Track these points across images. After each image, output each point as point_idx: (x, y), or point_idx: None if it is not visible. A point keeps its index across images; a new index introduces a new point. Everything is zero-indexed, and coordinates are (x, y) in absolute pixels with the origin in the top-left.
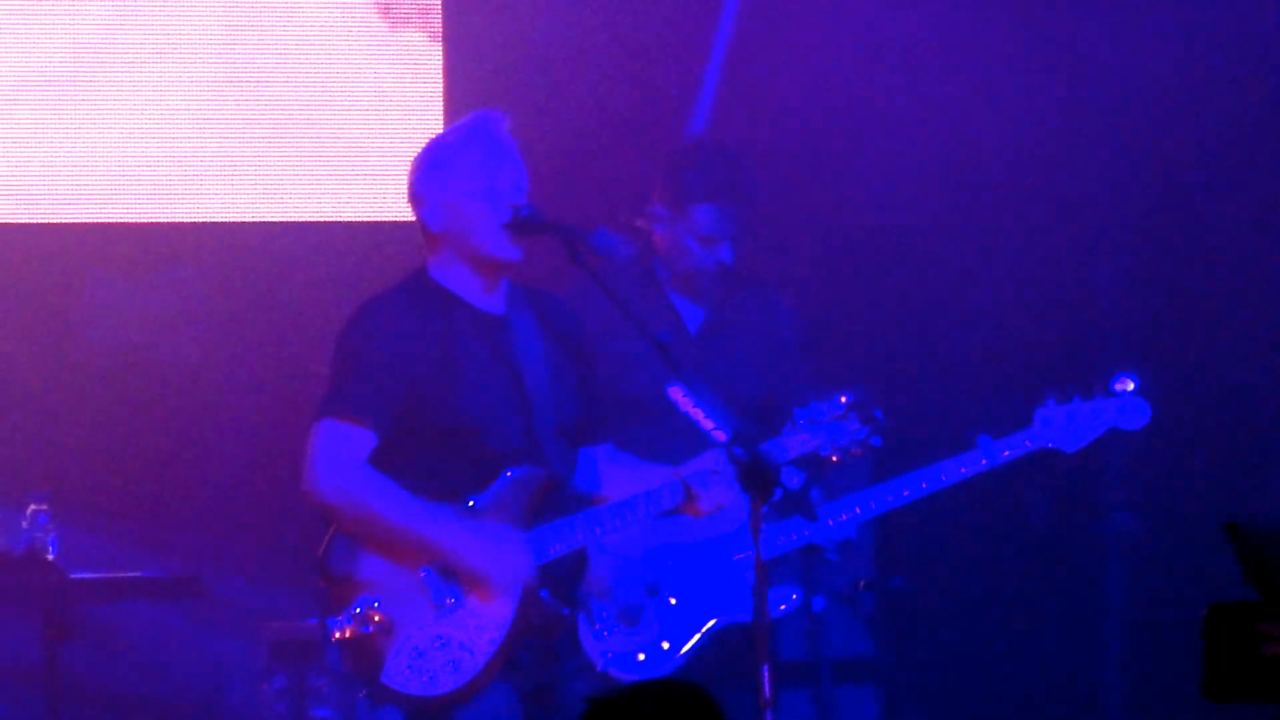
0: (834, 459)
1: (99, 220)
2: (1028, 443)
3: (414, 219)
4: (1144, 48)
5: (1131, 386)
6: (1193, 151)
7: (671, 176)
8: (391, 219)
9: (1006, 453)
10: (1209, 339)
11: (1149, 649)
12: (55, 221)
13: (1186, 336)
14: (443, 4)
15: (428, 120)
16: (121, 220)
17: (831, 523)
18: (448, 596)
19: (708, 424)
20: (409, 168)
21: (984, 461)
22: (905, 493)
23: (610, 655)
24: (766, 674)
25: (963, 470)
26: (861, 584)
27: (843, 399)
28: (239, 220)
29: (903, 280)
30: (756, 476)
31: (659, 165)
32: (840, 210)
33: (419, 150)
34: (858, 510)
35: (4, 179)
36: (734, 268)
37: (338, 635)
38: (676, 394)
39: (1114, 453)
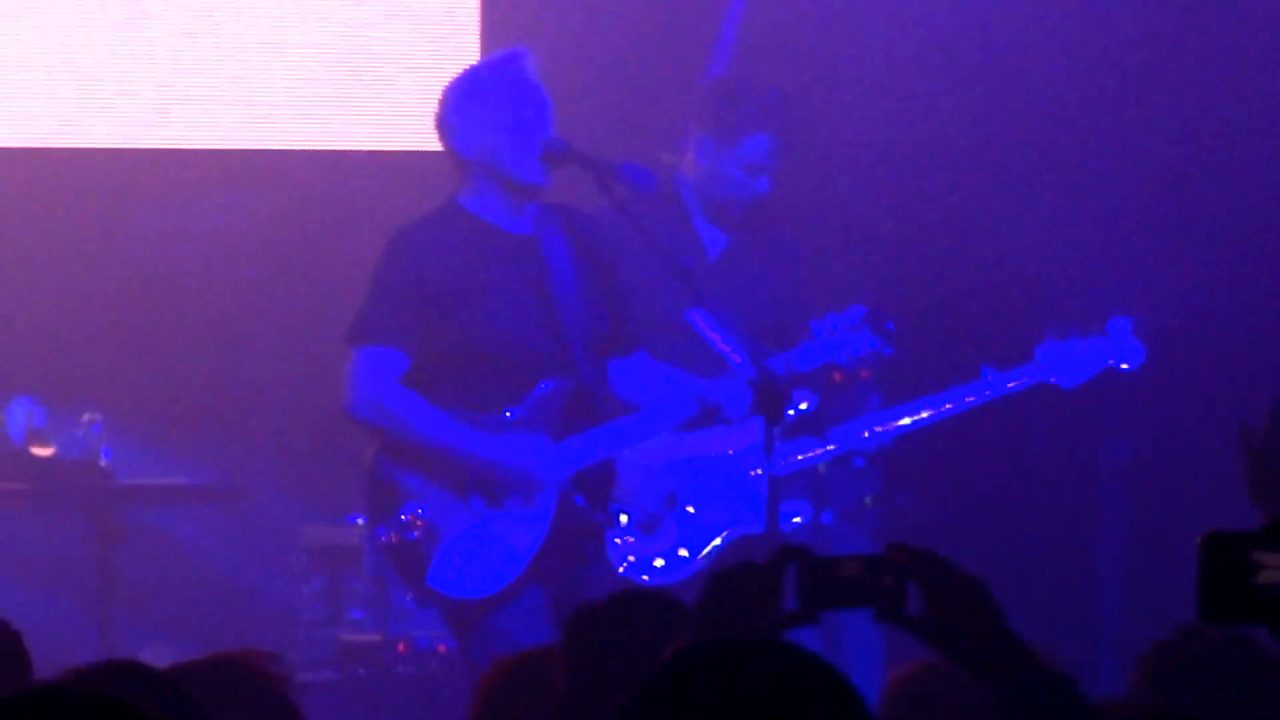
0: (856, 371)
1: (145, 146)
2: (1028, 377)
3: (441, 148)
4: None
5: (1127, 326)
6: (1193, 98)
7: (725, 105)
8: (426, 149)
9: (1010, 385)
10: (1206, 280)
11: (1144, 570)
12: (103, 146)
13: (1184, 276)
14: None
15: (463, 53)
16: (166, 146)
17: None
18: (488, 504)
19: (724, 347)
20: (440, 98)
21: (988, 392)
22: (914, 417)
23: (631, 561)
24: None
25: (968, 399)
26: (868, 500)
27: (858, 312)
28: (277, 147)
29: (911, 220)
30: (769, 398)
31: (701, 96)
32: (853, 148)
33: (452, 80)
34: (875, 429)
35: (53, 104)
36: (767, 200)
37: (384, 541)
38: (695, 318)
39: (1110, 384)
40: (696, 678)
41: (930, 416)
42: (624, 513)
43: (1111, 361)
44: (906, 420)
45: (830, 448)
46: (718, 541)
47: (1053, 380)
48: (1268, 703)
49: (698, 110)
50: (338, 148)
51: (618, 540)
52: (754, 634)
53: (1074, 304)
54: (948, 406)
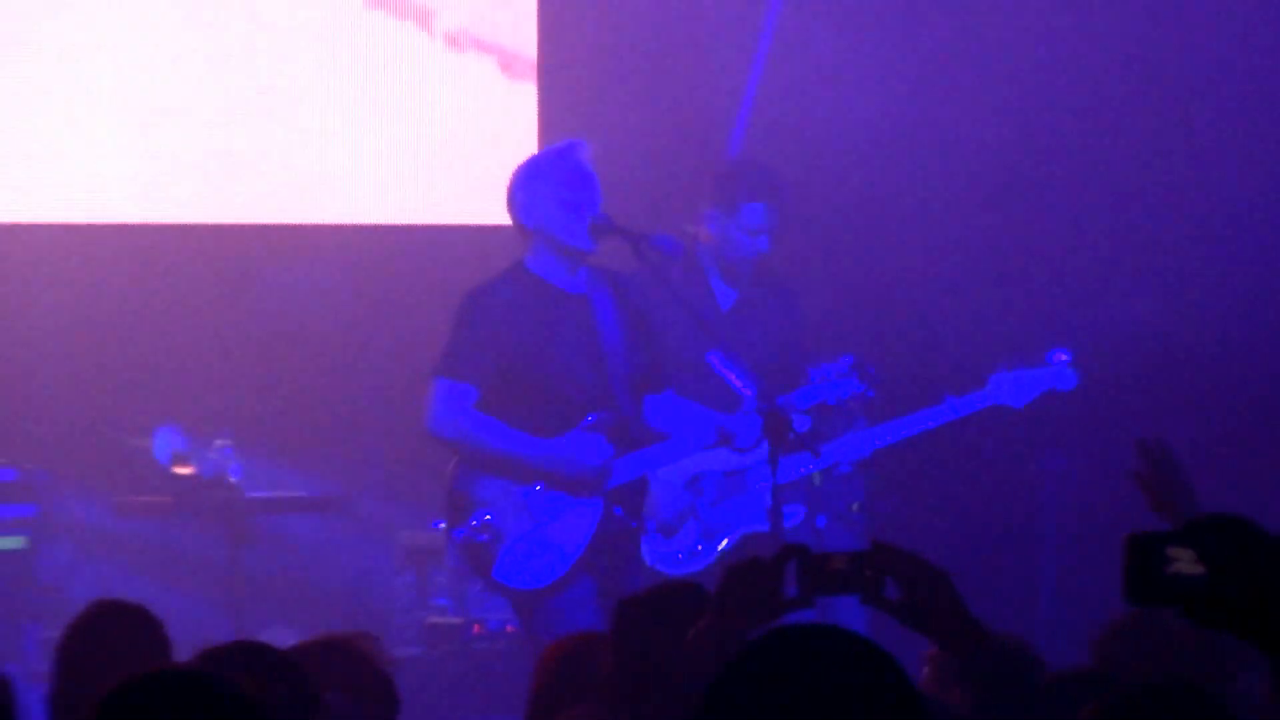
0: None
1: (269, 222)
2: (982, 401)
3: (510, 221)
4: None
5: (1065, 358)
6: (1126, 148)
7: (725, 183)
8: (492, 223)
9: (967, 408)
10: (1129, 320)
11: (1075, 561)
12: (231, 223)
13: (1111, 318)
14: (538, 57)
15: (525, 145)
16: (285, 222)
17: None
18: (548, 511)
19: (738, 385)
20: (510, 179)
21: (950, 414)
22: (890, 437)
23: (656, 556)
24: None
25: (932, 421)
26: (855, 506)
27: (846, 361)
28: (370, 223)
29: (886, 273)
30: (774, 424)
31: (709, 178)
32: (837, 218)
33: (519, 166)
34: (857, 448)
35: (199, 185)
36: (769, 258)
37: (459, 542)
38: (714, 360)
39: (1048, 407)
40: (773, 657)
41: (904, 434)
42: (652, 520)
43: (1051, 386)
44: (889, 437)
45: (827, 461)
46: (725, 542)
47: (1004, 403)
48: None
49: (707, 189)
50: (421, 222)
51: (649, 541)
52: (763, 616)
53: (1021, 340)
54: (918, 427)
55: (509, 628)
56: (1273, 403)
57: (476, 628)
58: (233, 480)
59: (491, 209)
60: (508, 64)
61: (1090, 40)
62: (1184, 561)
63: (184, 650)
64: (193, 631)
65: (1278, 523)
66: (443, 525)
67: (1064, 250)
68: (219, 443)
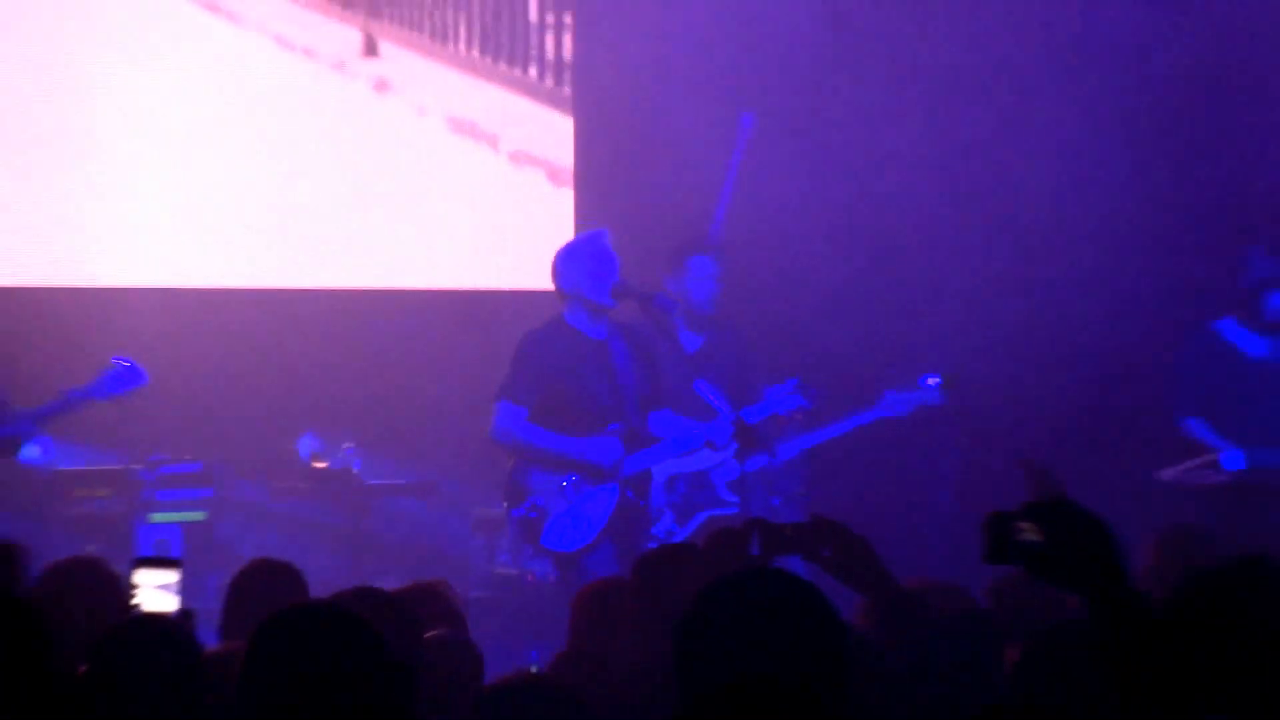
0: (786, 416)
1: (379, 287)
2: (877, 413)
3: (553, 286)
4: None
5: (935, 382)
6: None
7: (675, 251)
8: (540, 288)
9: (866, 419)
10: (995, 349)
11: (962, 532)
12: (352, 288)
13: (977, 347)
14: (574, 169)
15: (563, 231)
16: (391, 287)
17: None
18: (580, 495)
19: (715, 403)
20: (554, 257)
21: (855, 424)
22: (819, 439)
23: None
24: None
25: (845, 428)
26: (800, 491)
27: (792, 383)
28: (450, 288)
29: (806, 314)
30: (744, 434)
31: (664, 255)
32: (777, 279)
33: (560, 247)
34: (799, 445)
35: (324, 260)
36: (718, 305)
37: (516, 518)
38: (699, 386)
39: (945, 416)
40: (729, 592)
41: (829, 437)
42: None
43: (924, 402)
44: (816, 440)
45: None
46: (693, 523)
47: (890, 415)
48: None
49: (665, 263)
50: (486, 287)
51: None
52: (734, 568)
53: (905, 368)
54: (834, 432)
55: (551, 579)
56: (1112, 398)
57: (529, 577)
58: (355, 472)
59: (538, 278)
60: (553, 174)
61: (946, 86)
62: (1028, 531)
63: (318, 593)
64: (325, 581)
65: (1119, 501)
66: (504, 505)
67: (937, 292)
68: (345, 445)
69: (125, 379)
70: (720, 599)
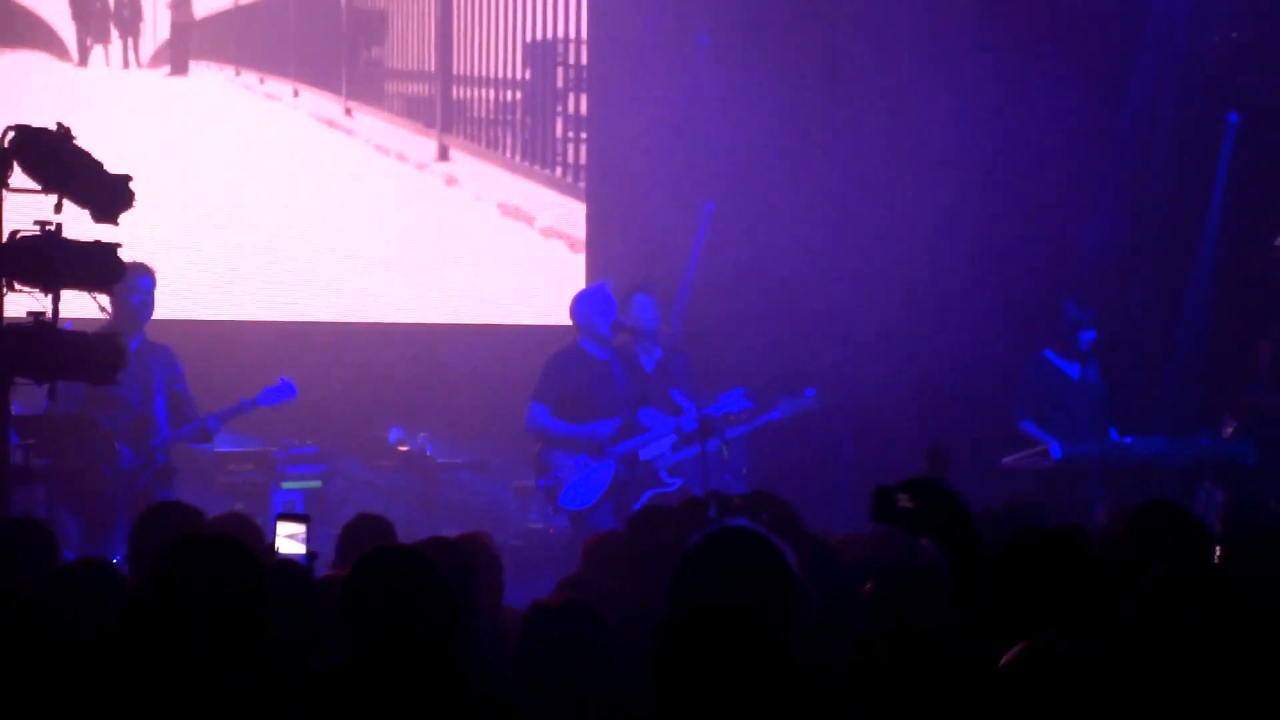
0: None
1: (448, 322)
2: (775, 416)
3: (571, 321)
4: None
5: (811, 392)
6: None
7: (624, 291)
8: (560, 324)
9: (770, 419)
10: (884, 370)
11: (860, 500)
12: (428, 322)
13: (878, 373)
14: (586, 240)
15: (577, 282)
16: (458, 322)
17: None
18: (587, 470)
19: (684, 405)
20: (571, 300)
21: (764, 421)
22: (748, 428)
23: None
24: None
25: (760, 422)
26: (744, 471)
27: (739, 390)
28: (498, 323)
29: (732, 336)
30: (705, 426)
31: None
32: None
33: (575, 294)
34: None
35: (403, 298)
36: (659, 329)
37: (540, 487)
38: (676, 394)
39: (841, 415)
40: (706, 548)
41: (755, 426)
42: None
43: (806, 408)
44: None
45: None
46: (673, 490)
47: (778, 418)
48: None
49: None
50: (523, 323)
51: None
52: (698, 525)
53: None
54: (758, 425)
55: (567, 530)
56: (967, 405)
57: (551, 530)
58: (428, 454)
59: (560, 316)
60: (572, 244)
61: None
62: (904, 500)
63: (403, 538)
64: (409, 532)
65: (975, 479)
66: (533, 478)
67: (844, 331)
68: (421, 434)
69: (284, 392)
70: (709, 547)
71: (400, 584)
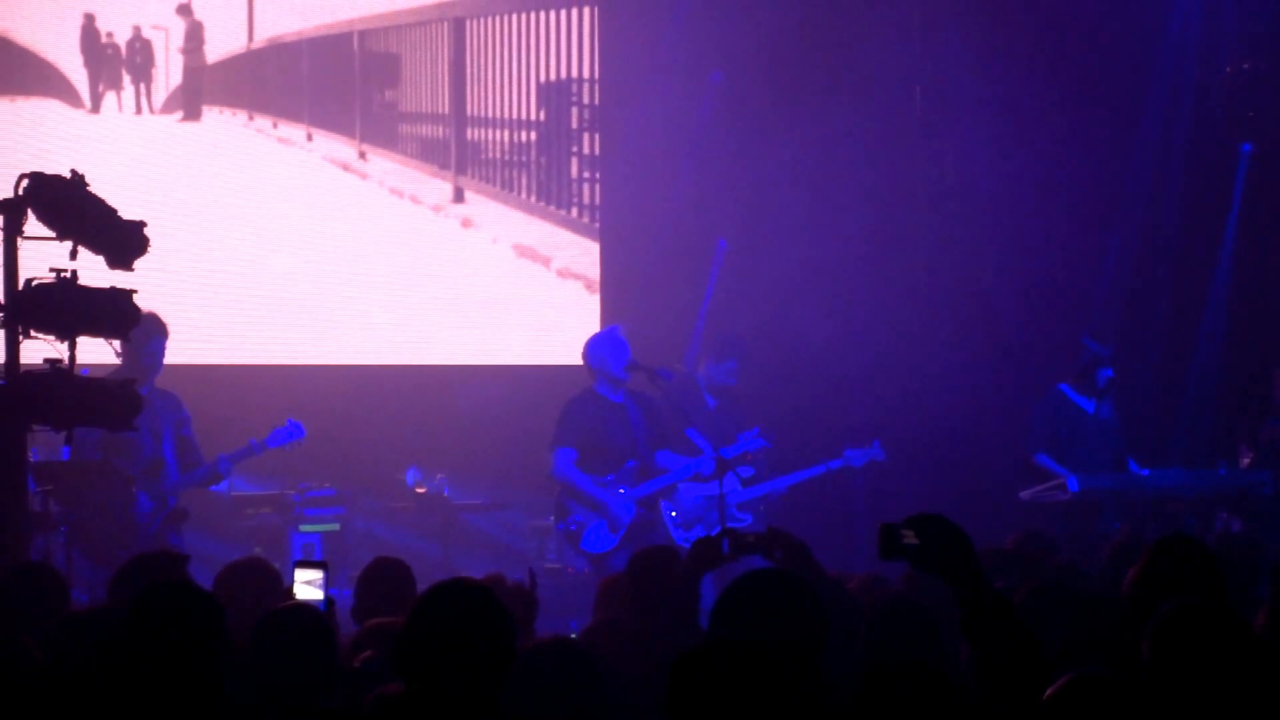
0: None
1: (461, 363)
2: (837, 465)
3: (584, 364)
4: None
5: (873, 444)
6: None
7: (717, 346)
8: (575, 364)
9: (830, 468)
10: (904, 410)
11: (870, 537)
12: (441, 364)
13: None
14: (601, 281)
15: (591, 325)
16: (470, 363)
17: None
18: (605, 515)
19: (702, 444)
20: (585, 344)
21: (817, 473)
22: (785, 486)
23: (680, 538)
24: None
25: (809, 476)
26: (761, 507)
27: (754, 430)
28: (518, 364)
29: (771, 380)
30: (723, 467)
31: (710, 344)
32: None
33: (589, 336)
34: (769, 488)
35: (419, 339)
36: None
37: (560, 530)
38: (690, 432)
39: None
40: (751, 582)
41: (792, 483)
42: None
43: (873, 458)
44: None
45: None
46: (691, 536)
47: (844, 465)
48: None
49: (707, 347)
50: (541, 363)
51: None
52: (710, 564)
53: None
54: (799, 479)
55: (586, 571)
56: (985, 440)
57: (570, 570)
58: (446, 494)
59: (574, 357)
60: (587, 284)
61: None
62: (910, 536)
63: (422, 583)
64: (426, 573)
65: (993, 512)
66: (552, 519)
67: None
68: (438, 475)
69: (292, 433)
70: (746, 586)
71: (466, 623)
